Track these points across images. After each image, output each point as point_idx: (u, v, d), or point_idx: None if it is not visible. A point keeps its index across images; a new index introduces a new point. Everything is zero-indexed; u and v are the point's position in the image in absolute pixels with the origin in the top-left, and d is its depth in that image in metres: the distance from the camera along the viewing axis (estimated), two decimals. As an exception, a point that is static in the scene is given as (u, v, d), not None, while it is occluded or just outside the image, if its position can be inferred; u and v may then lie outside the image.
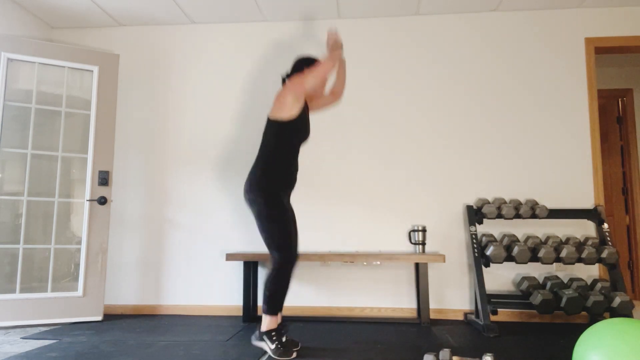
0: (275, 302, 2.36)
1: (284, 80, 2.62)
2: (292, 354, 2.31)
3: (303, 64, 2.60)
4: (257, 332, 2.41)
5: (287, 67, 3.74)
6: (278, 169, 2.43)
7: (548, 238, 3.24)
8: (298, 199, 3.61)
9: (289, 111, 2.42)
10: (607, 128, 4.80)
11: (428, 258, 3.17)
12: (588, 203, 3.40)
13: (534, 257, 3.10)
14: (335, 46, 2.60)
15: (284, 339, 2.38)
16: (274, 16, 3.71)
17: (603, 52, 3.60)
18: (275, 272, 2.36)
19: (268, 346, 2.34)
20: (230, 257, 3.26)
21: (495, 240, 3.24)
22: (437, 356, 2.05)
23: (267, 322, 2.37)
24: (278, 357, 2.28)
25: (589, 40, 3.52)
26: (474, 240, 3.24)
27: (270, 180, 2.41)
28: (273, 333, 2.35)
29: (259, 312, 3.50)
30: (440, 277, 3.45)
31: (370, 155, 3.60)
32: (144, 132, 3.80)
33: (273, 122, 2.46)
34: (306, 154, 3.64)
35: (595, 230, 3.39)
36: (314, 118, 3.67)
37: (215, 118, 3.76)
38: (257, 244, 3.59)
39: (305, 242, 3.57)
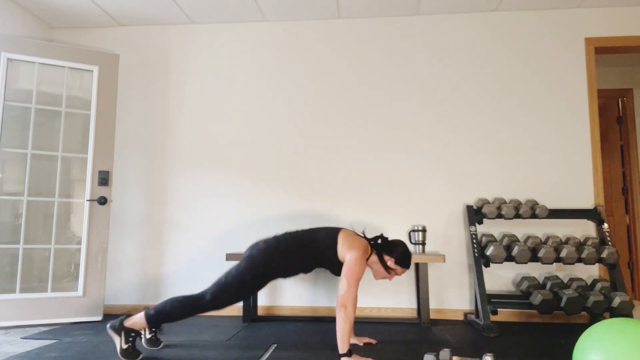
0: (163, 319, 2.27)
1: (378, 237, 2.49)
2: (137, 357, 2.25)
3: (394, 255, 2.43)
4: (117, 322, 2.28)
5: (286, 68, 3.74)
6: (296, 260, 2.37)
7: (548, 238, 3.24)
8: (298, 200, 3.61)
9: (344, 256, 2.34)
10: (607, 128, 4.80)
11: (428, 258, 3.17)
12: (588, 203, 3.40)
13: (534, 257, 3.10)
14: None
15: (141, 340, 2.40)
16: (274, 16, 3.71)
17: (603, 52, 3.60)
18: (194, 299, 2.27)
19: (120, 342, 2.24)
20: (230, 257, 3.26)
21: (495, 240, 3.24)
22: (437, 356, 2.05)
23: (137, 323, 2.28)
24: (123, 357, 2.23)
25: (589, 40, 3.52)
26: (474, 240, 3.24)
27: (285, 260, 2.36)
28: (133, 334, 2.27)
29: (259, 312, 3.50)
30: (440, 277, 3.45)
31: (370, 155, 3.60)
32: (144, 132, 3.80)
33: (335, 251, 2.36)
34: (306, 154, 3.64)
35: (595, 230, 3.39)
36: (314, 117, 3.67)
37: (215, 118, 3.76)
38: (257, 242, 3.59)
39: (305, 242, 3.57)
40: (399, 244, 2.46)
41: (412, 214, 3.52)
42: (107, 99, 3.48)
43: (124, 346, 2.25)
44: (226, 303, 2.31)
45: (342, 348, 2.16)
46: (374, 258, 2.45)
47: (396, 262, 2.43)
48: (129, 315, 2.33)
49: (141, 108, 3.83)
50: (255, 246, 2.41)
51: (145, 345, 2.46)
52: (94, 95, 3.44)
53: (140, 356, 2.28)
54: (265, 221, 3.62)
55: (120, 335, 2.26)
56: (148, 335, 2.45)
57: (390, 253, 2.44)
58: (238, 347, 2.54)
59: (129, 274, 3.66)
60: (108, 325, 2.30)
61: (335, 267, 2.42)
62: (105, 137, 3.45)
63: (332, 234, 2.41)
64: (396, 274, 2.47)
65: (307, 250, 2.38)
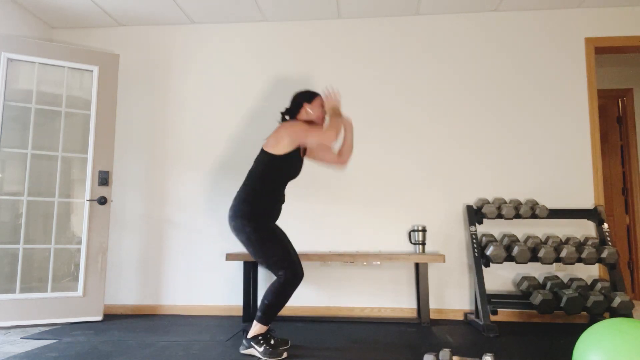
0: (272, 313, 2.36)
1: (283, 115, 2.63)
2: (282, 354, 2.31)
3: (303, 100, 2.57)
4: (244, 341, 2.41)
5: (286, 68, 3.74)
6: (263, 198, 2.43)
7: (548, 238, 3.24)
8: (298, 199, 3.61)
9: (283, 149, 2.44)
10: (607, 128, 4.80)
11: (428, 258, 3.17)
12: (588, 203, 3.40)
13: (534, 257, 3.10)
14: (335, 112, 2.47)
15: (272, 341, 2.39)
16: (274, 16, 3.71)
17: (603, 52, 3.60)
18: (280, 286, 2.34)
19: (257, 350, 2.34)
20: (230, 257, 3.26)
21: (495, 240, 3.24)
22: (437, 356, 2.05)
23: (256, 330, 2.38)
24: (268, 358, 2.28)
25: (589, 40, 3.52)
26: (474, 240, 3.24)
27: (255, 208, 2.40)
28: (260, 337, 2.36)
29: (259, 312, 3.50)
30: (440, 277, 3.45)
31: (370, 155, 3.60)
32: (144, 132, 3.80)
33: (266, 153, 2.47)
34: (306, 154, 3.64)
35: (595, 230, 3.39)
36: (314, 118, 3.67)
37: (215, 118, 3.76)
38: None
39: (306, 242, 3.57)
40: (294, 96, 2.61)
41: (412, 214, 3.52)
42: (107, 99, 3.48)
43: (261, 349, 2.33)
44: (291, 259, 2.37)
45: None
46: (306, 140, 2.47)
47: (309, 102, 2.56)
48: (245, 331, 2.43)
49: (141, 108, 3.83)
50: (235, 231, 2.43)
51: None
52: (94, 95, 3.44)
53: (285, 354, 2.32)
54: (265, 221, 3.62)
55: (253, 346, 2.37)
56: (272, 341, 2.41)
57: (299, 107, 2.57)
58: (238, 347, 2.55)
59: (129, 274, 3.66)
60: (240, 350, 2.41)
61: (284, 165, 2.47)
62: (105, 137, 3.45)
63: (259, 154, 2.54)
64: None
65: (259, 179, 2.45)
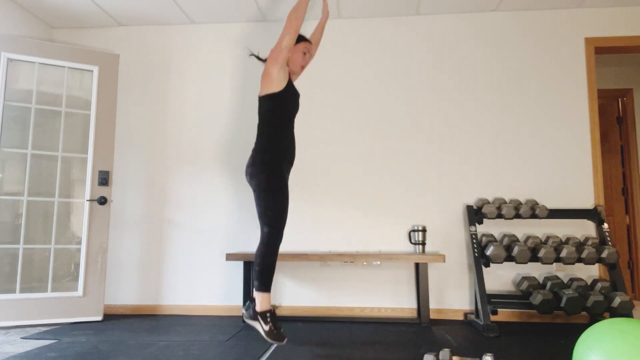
0: (265, 277, 2.41)
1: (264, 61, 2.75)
2: (284, 339, 2.32)
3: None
4: (250, 311, 2.43)
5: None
6: (276, 142, 2.53)
7: (548, 238, 3.24)
8: (298, 199, 3.61)
9: (278, 83, 2.53)
10: (607, 128, 4.80)
11: (428, 258, 3.17)
12: (588, 203, 3.40)
13: (534, 257, 3.10)
14: None
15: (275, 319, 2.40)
16: (273, 16, 3.71)
17: (603, 52, 3.60)
18: (263, 247, 2.42)
19: (262, 327, 2.35)
20: (230, 257, 3.26)
21: (495, 240, 3.24)
22: (437, 356, 2.05)
23: (261, 301, 2.40)
24: (271, 339, 2.30)
25: (589, 40, 3.52)
26: (474, 240, 3.24)
27: (272, 153, 2.50)
28: (268, 315, 2.37)
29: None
30: (440, 277, 3.45)
31: (370, 156, 3.60)
32: (144, 132, 3.80)
33: (263, 97, 2.57)
34: (307, 154, 3.64)
35: (595, 230, 3.39)
36: (315, 117, 3.67)
37: (215, 118, 3.76)
38: (257, 244, 3.59)
39: (306, 242, 3.57)
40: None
41: (412, 214, 3.52)
42: (107, 99, 3.48)
43: (266, 328, 2.35)
44: (282, 221, 2.46)
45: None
46: (281, 45, 2.60)
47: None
48: (252, 301, 2.45)
49: (141, 108, 3.83)
50: (250, 177, 2.53)
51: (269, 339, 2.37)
52: (94, 95, 3.44)
53: (285, 340, 2.33)
54: (265, 221, 3.62)
55: (259, 321, 2.39)
56: (267, 328, 2.40)
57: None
58: (238, 347, 2.55)
59: (129, 274, 3.66)
60: (245, 316, 2.46)
61: (283, 101, 2.57)
62: (105, 137, 3.45)
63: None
64: (304, 60, 2.74)
65: (266, 125, 2.57)
